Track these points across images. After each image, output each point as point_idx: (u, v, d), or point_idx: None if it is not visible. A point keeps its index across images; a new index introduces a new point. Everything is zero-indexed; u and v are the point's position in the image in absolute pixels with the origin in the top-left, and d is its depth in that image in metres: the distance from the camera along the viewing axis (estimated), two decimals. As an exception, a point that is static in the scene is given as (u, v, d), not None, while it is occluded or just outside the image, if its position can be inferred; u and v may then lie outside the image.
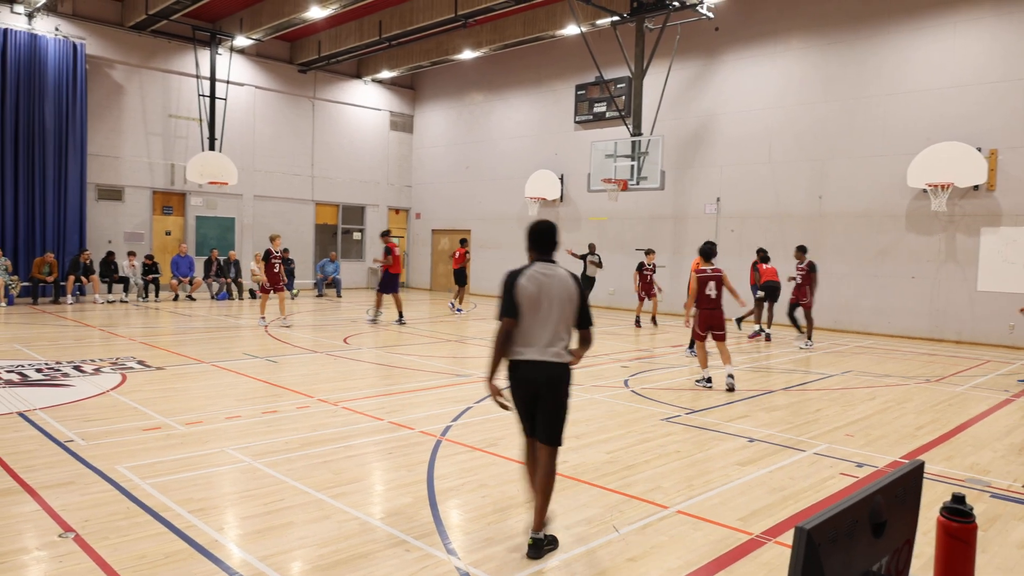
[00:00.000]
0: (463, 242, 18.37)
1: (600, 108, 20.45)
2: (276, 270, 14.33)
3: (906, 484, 1.74)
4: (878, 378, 10.19)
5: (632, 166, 16.97)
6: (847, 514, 1.51)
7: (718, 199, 18.17)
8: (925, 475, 5.54)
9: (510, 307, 4.08)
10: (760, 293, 14.11)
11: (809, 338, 13.32)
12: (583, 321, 4.19)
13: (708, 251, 9.15)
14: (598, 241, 20.80)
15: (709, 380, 9.15)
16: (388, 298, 15.85)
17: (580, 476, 5.40)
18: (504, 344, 4.13)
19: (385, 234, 15.90)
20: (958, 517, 1.94)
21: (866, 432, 7.05)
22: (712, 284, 9.01)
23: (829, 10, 16.29)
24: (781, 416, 7.66)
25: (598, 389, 8.85)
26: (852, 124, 15.98)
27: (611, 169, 17.26)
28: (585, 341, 4.24)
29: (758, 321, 14.50)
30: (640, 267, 16.55)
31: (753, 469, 5.70)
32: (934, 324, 14.93)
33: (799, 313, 13.39)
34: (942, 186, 14.19)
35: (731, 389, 8.81)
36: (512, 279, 4.12)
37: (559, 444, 4.14)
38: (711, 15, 16.72)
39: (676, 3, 16.04)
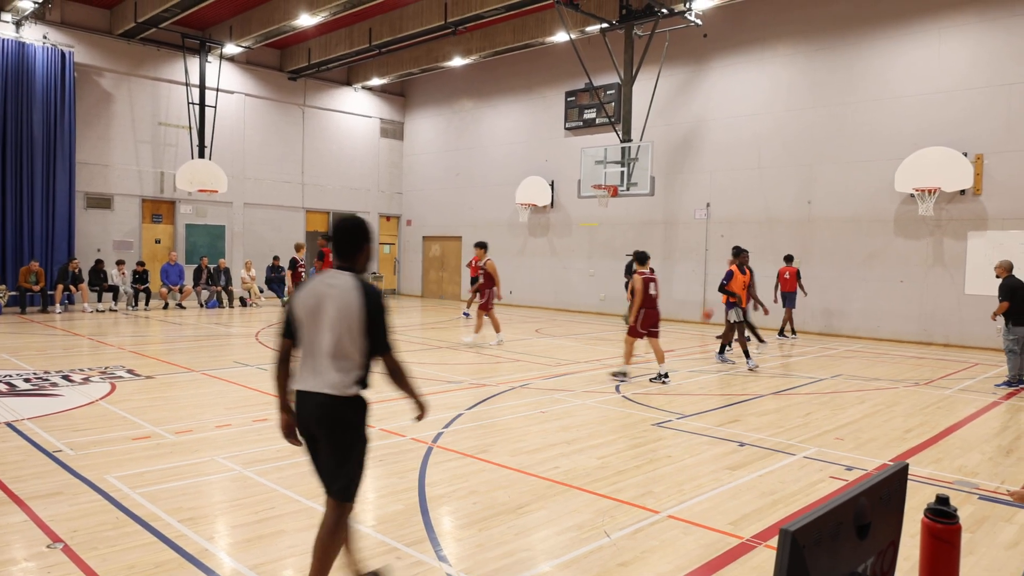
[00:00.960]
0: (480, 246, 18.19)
1: (590, 115, 20.53)
2: (303, 279, 14.18)
3: (891, 486, 1.76)
4: (867, 382, 10.25)
5: (622, 172, 17.03)
6: (832, 516, 1.53)
7: (708, 204, 18.25)
8: (914, 478, 5.58)
9: (285, 325, 3.41)
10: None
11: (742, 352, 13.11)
12: (375, 345, 3.30)
13: (643, 256, 10.02)
14: (588, 248, 20.85)
15: (625, 375, 9.72)
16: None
17: (571, 482, 5.41)
18: (279, 369, 3.44)
19: (324, 238, 15.86)
20: (942, 518, 1.96)
21: (855, 435, 7.09)
22: (652, 285, 9.80)
23: (816, 16, 16.43)
24: (771, 420, 7.69)
25: (589, 395, 8.86)
26: (840, 129, 16.10)
27: (601, 175, 17.32)
28: (392, 373, 3.39)
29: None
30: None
31: (743, 473, 5.73)
32: (922, 327, 15.03)
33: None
34: (929, 191, 14.31)
35: (660, 379, 9.67)
36: (296, 292, 3.43)
37: (347, 500, 3.35)
38: (699, 22, 16.83)
39: (664, 10, 16.14)
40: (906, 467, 1.84)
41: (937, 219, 14.69)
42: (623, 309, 18.15)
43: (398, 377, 3.42)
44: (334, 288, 3.28)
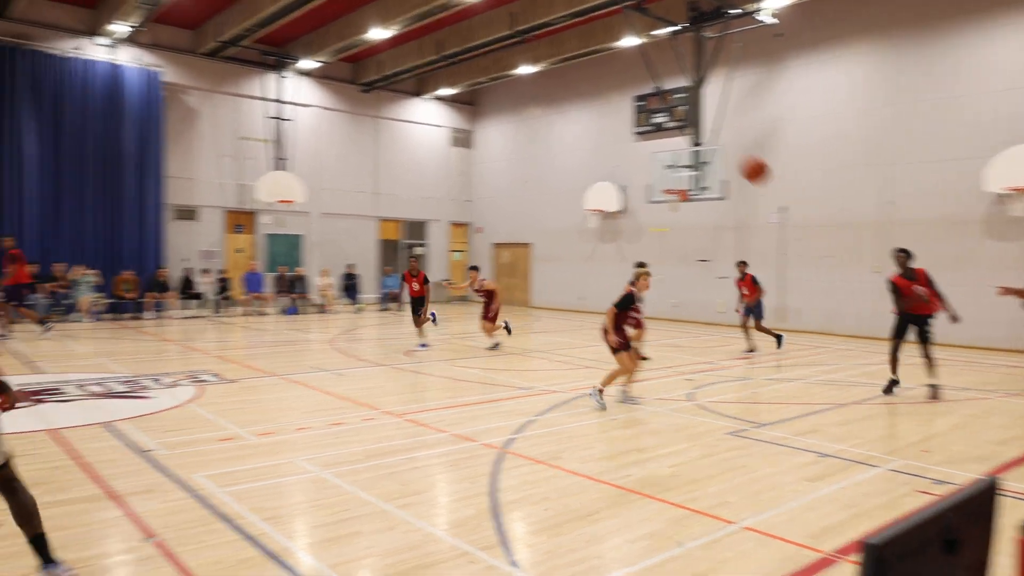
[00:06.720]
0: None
1: (659, 119, 20.30)
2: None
3: (981, 501, 1.69)
4: (956, 391, 9.76)
5: (693, 176, 16.77)
6: (918, 531, 1.48)
7: (782, 208, 17.76)
8: (1009, 494, 5.29)
9: None
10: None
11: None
12: None
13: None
14: (659, 253, 20.58)
15: None
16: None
17: (643, 490, 5.35)
18: None
19: (5, 237, 14.22)
20: (1039, 537, 1.87)
21: (944, 448, 6.76)
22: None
23: (896, 11, 15.80)
24: (852, 431, 7.42)
25: (661, 403, 8.75)
26: (923, 128, 15.42)
27: (671, 180, 17.10)
28: None
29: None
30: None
31: (823, 485, 5.55)
32: (1015, 334, 14.19)
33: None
34: (1022, 190, 13.54)
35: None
36: None
37: None
38: (776, 20, 16.40)
39: (734, 11, 15.83)
40: (996, 482, 1.76)
41: (1032, 220, 13.88)
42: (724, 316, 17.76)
43: None
44: None
